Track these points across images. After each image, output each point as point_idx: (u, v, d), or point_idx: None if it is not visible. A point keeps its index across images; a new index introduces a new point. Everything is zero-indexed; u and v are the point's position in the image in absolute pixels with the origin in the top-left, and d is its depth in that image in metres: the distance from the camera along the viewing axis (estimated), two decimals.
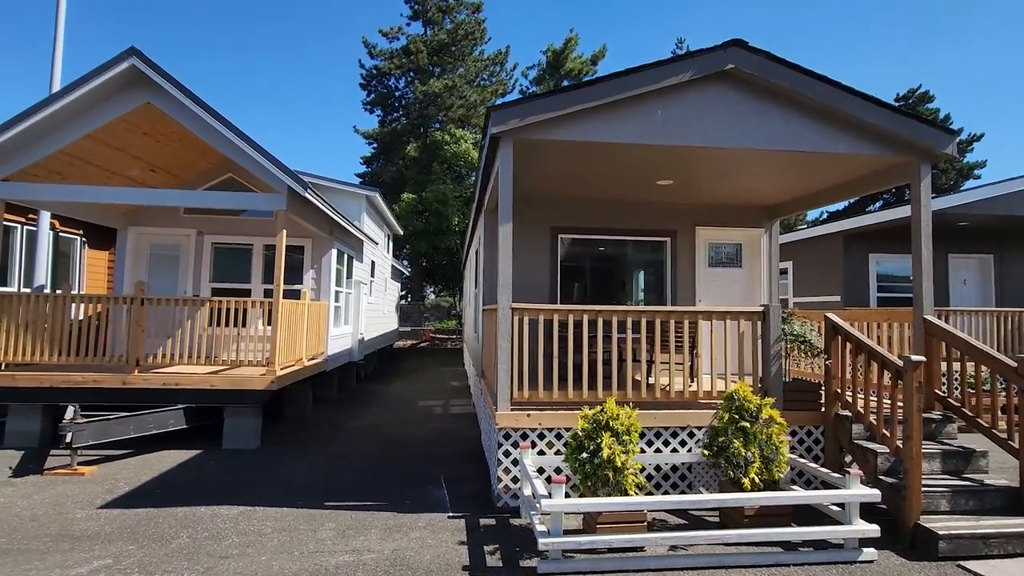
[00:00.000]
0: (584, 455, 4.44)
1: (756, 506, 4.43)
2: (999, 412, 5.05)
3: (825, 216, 33.98)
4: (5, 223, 8.15)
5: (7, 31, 78.73)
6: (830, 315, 5.66)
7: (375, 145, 37.79)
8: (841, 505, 4.42)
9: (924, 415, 5.25)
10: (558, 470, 5.05)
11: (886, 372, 4.84)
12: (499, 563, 4.06)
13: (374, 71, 36.84)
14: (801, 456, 5.64)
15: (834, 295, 12.26)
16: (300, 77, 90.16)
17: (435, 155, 30.23)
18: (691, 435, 5.46)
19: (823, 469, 5.04)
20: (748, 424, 4.65)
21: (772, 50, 5.57)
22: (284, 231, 7.58)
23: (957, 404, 5.39)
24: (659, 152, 6.04)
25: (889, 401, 4.75)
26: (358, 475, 6.25)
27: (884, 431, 4.82)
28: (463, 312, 24.48)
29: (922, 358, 4.69)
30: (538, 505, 4.10)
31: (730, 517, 4.68)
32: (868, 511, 4.52)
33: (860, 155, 5.94)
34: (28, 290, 10.04)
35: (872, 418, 5.02)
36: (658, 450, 5.41)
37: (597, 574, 3.94)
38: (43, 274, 9.84)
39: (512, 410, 5.27)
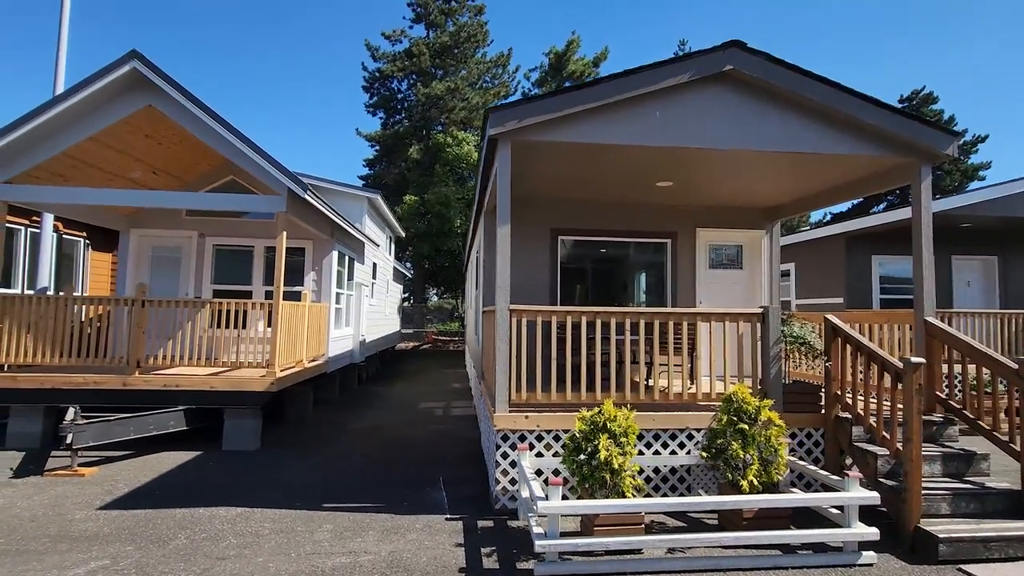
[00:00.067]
0: (581, 457, 4.43)
1: (755, 508, 4.41)
2: (1001, 414, 5.02)
3: (828, 218, 33.90)
4: (9, 226, 8.21)
5: (10, 33, 79.50)
6: (830, 317, 5.63)
7: (377, 147, 37.93)
8: (840, 508, 4.39)
9: (925, 417, 5.23)
10: (556, 472, 5.04)
11: (886, 374, 4.81)
12: (495, 565, 4.05)
13: (376, 73, 37.01)
14: (801, 458, 5.61)
15: (837, 297, 12.19)
16: (303, 79, 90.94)
17: (437, 157, 30.27)
18: (690, 437, 5.44)
19: (822, 471, 5.01)
20: (747, 426, 4.63)
21: (775, 52, 5.57)
22: (284, 233, 7.60)
23: (958, 406, 5.35)
24: (658, 153, 6.03)
25: (889, 403, 4.72)
26: (358, 477, 6.25)
27: (884, 433, 4.79)
28: (465, 314, 24.48)
29: (922, 360, 4.66)
30: (535, 507, 4.10)
31: (729, 520, 4.66)
32: (868, 514, 4.49)
33: (860, 156, 5.91)
34: (31, 292, 10.09)
35: (872, 420, 4.99)
36: (657, 452, 5.40)
37: None
38: (46, 276, 9.89)
39: (510, 412, 5.26)
